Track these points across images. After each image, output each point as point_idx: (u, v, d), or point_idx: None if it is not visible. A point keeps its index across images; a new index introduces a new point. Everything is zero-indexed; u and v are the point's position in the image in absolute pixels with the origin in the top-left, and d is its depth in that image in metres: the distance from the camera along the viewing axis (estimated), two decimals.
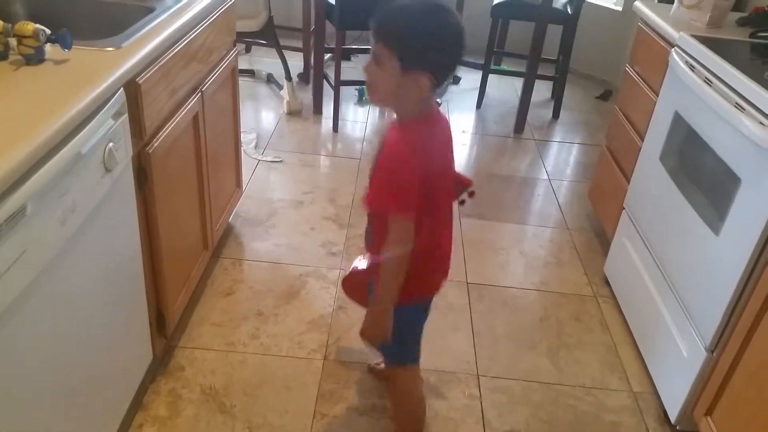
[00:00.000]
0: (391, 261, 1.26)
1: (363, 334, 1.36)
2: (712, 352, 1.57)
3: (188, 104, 1.66)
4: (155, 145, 1.45)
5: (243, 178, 2.41)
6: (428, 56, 1.17)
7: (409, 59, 1.16)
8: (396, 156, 1.23)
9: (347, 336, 1.94)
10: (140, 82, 1.33)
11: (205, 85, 1.79)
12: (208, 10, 1.76)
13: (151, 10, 1.57)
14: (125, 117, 1.28)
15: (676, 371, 1.72)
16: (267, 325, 1.95)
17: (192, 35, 1.64)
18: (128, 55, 1.29)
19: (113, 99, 1.21)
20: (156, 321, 1.63)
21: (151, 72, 1.38)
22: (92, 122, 1.13)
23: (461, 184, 1.49)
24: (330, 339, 1.93)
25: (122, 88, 1.26)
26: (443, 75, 1.22)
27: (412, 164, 1.20)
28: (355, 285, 1.53)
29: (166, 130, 1.52)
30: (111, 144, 1.21)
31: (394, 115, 1.28)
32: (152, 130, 1.44)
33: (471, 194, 1.50)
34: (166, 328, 1.68)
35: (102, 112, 1.17)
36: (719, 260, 1.56)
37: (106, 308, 1.34)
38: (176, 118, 1.58)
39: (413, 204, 1.22)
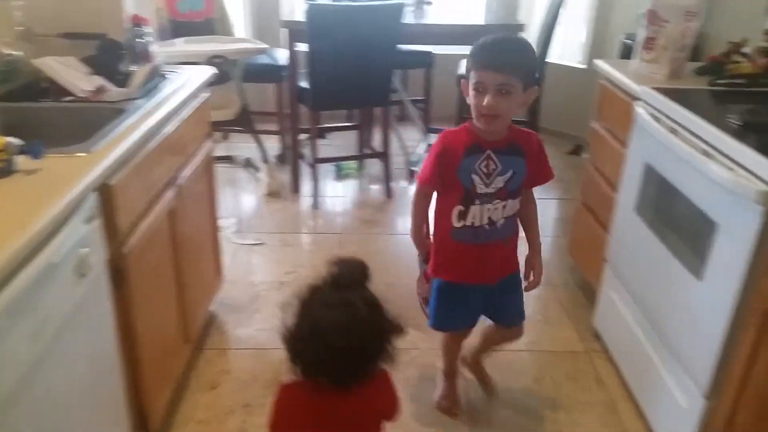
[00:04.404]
0: None
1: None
2: (710, 399, 1.54)
3: (164, 199, 1.67)
4: (131, 244, 1.44)
5: (224, 264, 2.40)
6: (535, 73, 1.61)
7: (529, 79, 1.53)
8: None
9: None
10: (113, 184, 1.33)
11: (180, 179, 1.80)
12: (181, 106, 1.80)
13: (121, 112, 1.59)
14: (98, 221, 1.28)
15: (677, 423, 1.68)
16: (254, 417, 1.89)
17: (165, 132, 1.67)
18: (99, 159, 1.30)
19: (84, 204, 1.21)
20: (139, 424, 1.57)
21: (123, 173, 1.39)
22: (63, 230, 1.12)
23: None
24: None
25: (94, 193, 1.26)
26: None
27: None
28: None
29: (142, 227, 1.51)
30: (84, 250, 1.20)
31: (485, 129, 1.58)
32: (127, 230, 1.44)
33: None
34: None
35: (73, 218, 1.16)
36: (705, 306, 1.56)
37: (85, 415, 1.29)
38: (152, 214, 1.58)
39: None
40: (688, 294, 1.63)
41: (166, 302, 1.77)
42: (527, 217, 1.73)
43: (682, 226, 1.73)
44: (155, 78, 1.84)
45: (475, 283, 1.72)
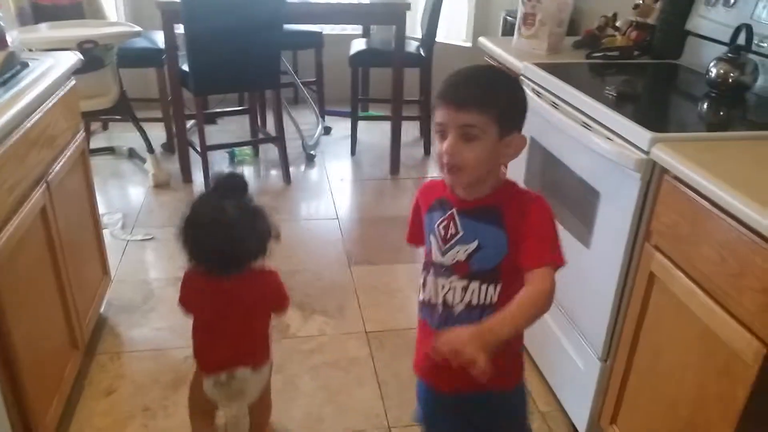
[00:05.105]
0: (547, 304, 1.07)
1: None
2: (605, 361, 1.62)
3: (32, 198, 1.53)
4: None
5: (111, 263, 2.27)
6: (522, 114, 1.15)
7: (508, 122, 1.11)
8: (546, 206, 1.17)
9: (243, 420, 1.83)
10: None
11: (50, 175, 1.67)
12: (44, 97, 1.65)
13: None
14: None
15: (577, 385, 1.75)
16: (156, 420, 1.80)
17: (26, 126, 1.52)
18: None
19: None
20: None
21: None
22: None
23: None
24: (228, 426, 1.80)
25: None
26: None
27: None
28: None
29: (9, 231, 1.38)
30: None
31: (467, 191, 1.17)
32: None
33: None
34: None
35: None
36: (594, 272, 1.62)
37: None
38: (19, 216, 1.45)
39: None
40: (579, 262, 1.69)
41: (47, 308, 1.65)
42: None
43: (568, 197, 1.79)
44: (13, 66, 1.68)
45: (428, 382, 1.31)
